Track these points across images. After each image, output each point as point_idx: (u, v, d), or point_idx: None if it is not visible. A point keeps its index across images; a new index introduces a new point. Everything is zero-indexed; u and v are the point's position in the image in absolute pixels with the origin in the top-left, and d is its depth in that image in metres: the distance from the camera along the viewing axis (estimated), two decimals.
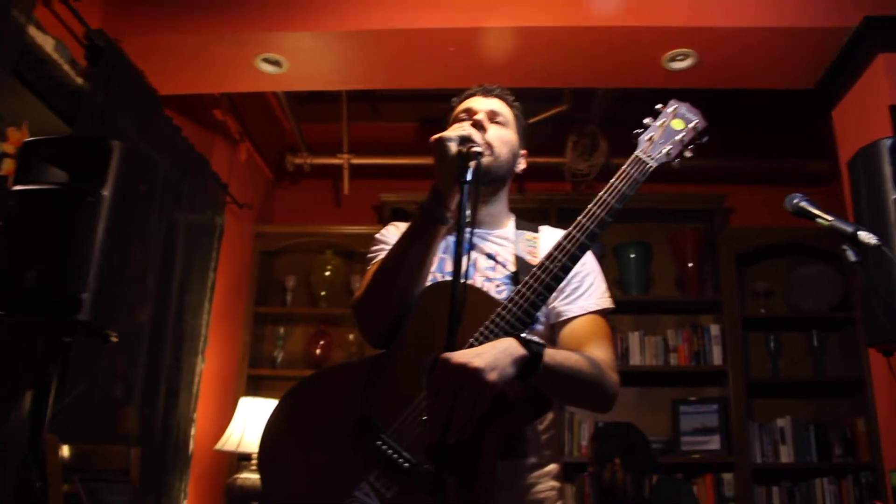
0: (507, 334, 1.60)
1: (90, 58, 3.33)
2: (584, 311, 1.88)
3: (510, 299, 1.66)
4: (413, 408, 1.66)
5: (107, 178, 2.47)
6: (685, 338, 5.01)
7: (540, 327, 1.89)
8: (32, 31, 2.93)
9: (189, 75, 3.93)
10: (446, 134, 1.75)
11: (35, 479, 2.37)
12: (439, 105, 2.22)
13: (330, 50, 3.73)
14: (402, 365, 1.74)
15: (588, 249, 1.72)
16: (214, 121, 4.70)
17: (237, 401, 4.50)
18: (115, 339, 2.57)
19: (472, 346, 1.59)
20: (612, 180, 1.76)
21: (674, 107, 1.90)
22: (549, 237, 2.04)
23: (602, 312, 1.92)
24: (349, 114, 5.29)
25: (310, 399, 1.80)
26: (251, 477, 4.09)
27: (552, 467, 1.86)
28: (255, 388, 5.00)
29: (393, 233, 2.05)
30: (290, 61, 3.77)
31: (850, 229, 1.96)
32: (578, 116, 5.21)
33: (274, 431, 1.77)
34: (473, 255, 1.93)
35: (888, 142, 2.44)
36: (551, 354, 1.59)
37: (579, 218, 1.73)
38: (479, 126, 1.89)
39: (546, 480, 1.83)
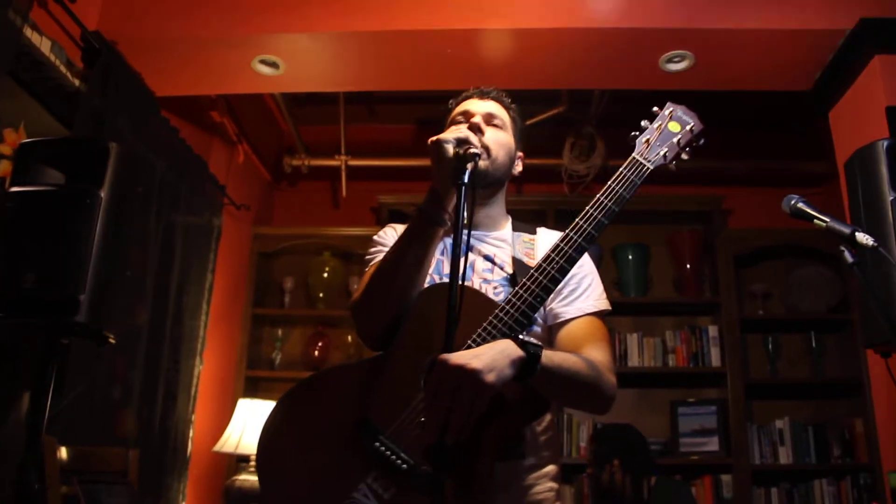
0: (504, 336, 1.60)
1: (87, 59, 3.33)
2: (582, 313, 1.88)
3: (508, 301, 1.67)
4: (411, 409, 1.66)
5: (104, 180, 2.48)
6: (683, 339, 5.01)
7: (538, 329, 1.89)
8: (29, 33, 2.92)
9: (186, 77, 3.93)
10: (443, 136, 1.75)
11: (33, 481, 2.37)
12: (436, 107, 2.22)
13: (327, 51, 3.73)
14: (399, 367, 1.74)
15: (585, 251, 1.72)
16: (212, 122, 4.70)
17: (235, 402, 4.50)
18: (112, 341, 2.57)
19: (469, 347, 1.59)
20: (608, 182, 1.77)
21: (670, 109, 1.91)
22: (546, 239, 2.04)
23: (599, 314, 1.92)
24: (346, 115, 5.29)
25: (308, 401, 1.80)
26: (249, 478, 4.09)
27: (550, 468, 1.87)
28: (254, 389, 5.00)
29: (390, 234, 2.06)
30: (287, 63, 3.77)
31: (847, 230, 1.96)
32: (576, 118, 5.21)
33: (272, 433, 1.77)
34: (471, 256, 1.93)
35: (885, 143, 2.45)
36: (549, 356, 1.59)
37: (576, 220, 1.73)
38: (475, 129, 1.90)
39: (544, 481, 1.83)
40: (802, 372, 5.05)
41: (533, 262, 1.80)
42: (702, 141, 1.89)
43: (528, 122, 4.75)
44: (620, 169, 1.79)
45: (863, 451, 4.63)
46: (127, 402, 3.53)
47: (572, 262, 1.69)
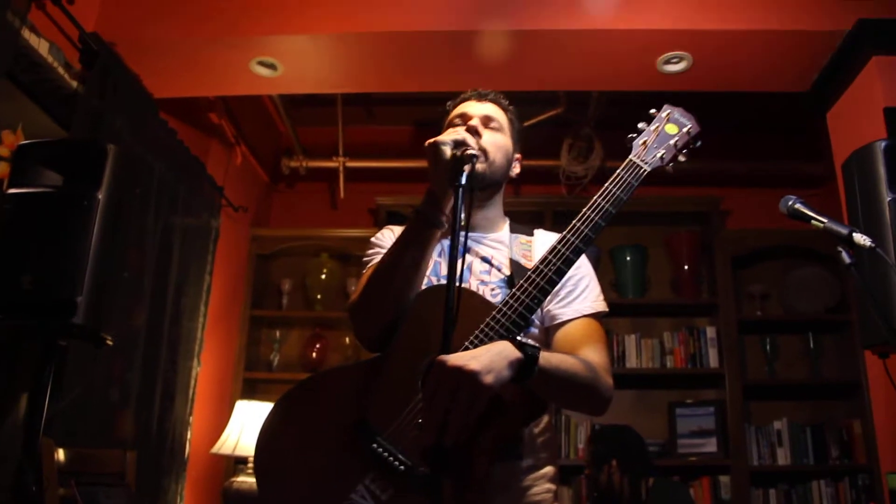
0: (502, 338, 1.60)
1: (85, 61, 3.33)
2: (579, 315, 1.89)
3: (505, 303, 1.67)
4: (409, 411, 1.66)
5: (102, 182, 2.48)
6: (681, 340, 5.01)
7: (535, 330, 1.89)
8: (27, 34, 2.92)
9: (184, 78, 3.93)
10: (441, 138, 1.76)
11: (31, 483, 2.37)
12: (434, 108, 2.22)
13: (324, 53, 3.73)
14: (397, 368, 1.74)
15: (583, 253, 1.73)
16: (210, 124, 4.70)
17: (233, 404, 4.50)
18: (110, 343, 2.58)
19: (467, 349, 1.59)
20: (606, 184, 1.77)
21: (667, 112, 1.92)
22: (543, 241, 2.04)
23: (596, 316, 1.92)
24: (344, 117, 5.30)
25: (306, 402, 1.80)
26: (248, 480, 4.09)
27: (548, 469, 1.87)
28: (251, 391, 4.99)
29: (388, 236, 2.06)
30: (284, 64, 3.77)
31: (844, 231, 1.96)
32: (574, 119, 5.22)
33: (270, 435, 1.77)
34: (468, 258, 1.93)
35: (882, 144, 2.45)
36: (546, 357, 1.59)
37: (574, 222, 1.74)
38: (473, 132, 1.90)
39: (542, 483, 1.84)
40: (800, 373, 5.05)
41: (530, 264, 1.81)
42: (699, 143, 1.89)
43: (526, 124, 4.72)
44: (617, 171, 1.80)
45: (861, 452, 4.63)
46: (125, 403, 3.53)
47: (569, 263, 1.69)
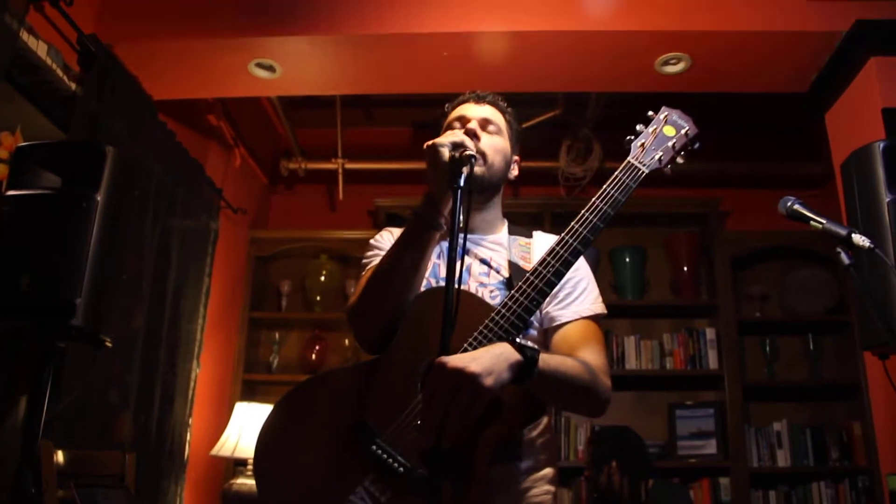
0: (501, 339, 1.60)
1: (83, 63, 3.32)
2: (578, 316, 1.89)
3: (504, 304, 1.67)
4: (408, 412, 1.66)
5: (100, 184, 2.48)
6: (681, 342, 5.01)
7: (534, 332, 1.89)
8: (25, 36, 2.92)
9: (183, 80, 3.93)
10: (439, 140, 1.76)
11: (30, 485, 2.37)
12: (433, 110, 2.22)
13: (323, 55, 3.73)
14: (396, 370, 1.74)
15: (581, 255, 1.73)
16: (208, 126, 4.70)
17: (233, 406, 4.49)
18: (109, 345, 2.58)
19: (466, 351, 1.60)
20: (604, 186, 1.78)
21: (665, 114, 1.92)
22: (542, 242, 2.05)
23: (595, 318, 1.92)
24: (343, 119, 5.30)
25: (305, 404, 1.80)
26: (247, 482, 4.08)
27: (547, 471, 1.87)
28: (251, 393, 4.99)
29: (387, 238, 2.06)
30: (283, 66, 3.77)
31: (843, 232, 1.96)
32: (572, 121, 5.22)
33: (270, 436, 1.76)
34: (467, 260, 1.93)
35: (881, 144, 2.45)
36: (546, 360, 1.60)
37: (572, 224, 1.74)
38: (472, 135, 1.90)
39: (541, 484, 1.84)
40: (800, 374, 5.05)
41: (529, 266, 1.81)
42: (696, 145, 1.89)
43: (525, 125, 4.70)
44: (616, 173, 1.80)
45: (861, 453, 4.63)
46: (124, 405, 3.53)
47: (568, 265, 1.70)
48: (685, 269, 5.20)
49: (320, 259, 5.39)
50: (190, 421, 4.18)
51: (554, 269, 1.68)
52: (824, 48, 3.46)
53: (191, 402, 4.19)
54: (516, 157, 2.14)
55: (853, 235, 1.94)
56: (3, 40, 2.72)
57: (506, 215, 2.15)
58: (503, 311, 1.65)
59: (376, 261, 1.93)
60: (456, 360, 1.48)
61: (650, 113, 1.93)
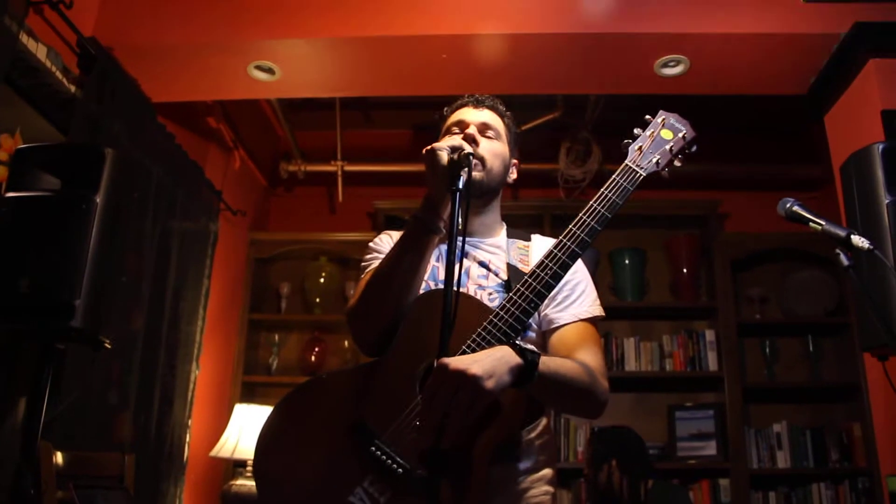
0: (499, 341, 1.61)
1: (83, 66, 3.33)
2: (576, 319, 1.89)
3: (502, 307, 1.67)
4: (407, 413, 1.67)
5: (100, 186, 2.49)
6: (680, 343, 5.01)
7: (532, 334, 1.90)
8: (25, 39, 2.92)
9: (182, 83, 3.93)
10: (438, 144, 1.76)
11: (29, 486, 2.37)
12: (432, 112, 2.22)
13: (322, 57, 3.73)
14: (395, 372, 1.75)
15: (578, 258, 1.74)
16: (208, 128, 4.70)
17: (232, 407, 4.49)
18: (108, 346, 2.58)
19: (465, 353, 1.60)
20: (602, 189, 1.79)
21: (663, 117, 1.93)
22: (540, 246, 2.05)
23: (593, 320, 1.93)
24: (342, 121, 5.30)
25: (305, 405, 1.80)
26: (247, 484, 4.08)
27: (546, 472, 1.87)
28: (250, 394, 4.99)
29: (386, 241, 2.06)
30: (282, 68, 3.77)
31: (842, 233, 1.96)
32: (571, 123, 5.22)
33: (269, 438, 1.77)
34: (466, 263, 1.94)
35: (880, 146, 2.46)
36: (545, 363, 1.60)
37: (570, 226, 1.75)
38: (470, 140, 1.91)
39: (540, 485, 1.84)
40: (800, 376, 5.05)
41: (528, 269, 1.81)
42: (694, 148, 1.91)
43: (524, 128, 4.77)
44: (613, 176, 1.81)
45: (861, 455, 4.62)
46: (123, 407, 3.53)
47: (566, 268, 1.70)
48: (685, 270, 5.20)
49: (320, 261, 5.39)
50: (189, 422, 4.18)
51: (552, 271, 1.69)
52: (823, 50, 3.47)
53: (190, 403, 4.19)
54: (515, 161, 2.14)
55: (852, 237, 1.94)
56: (3, 43, 2.72)
57: (505, 216, 2.16)
58: (501, 313, 1.66)
59: (375, 264, 1.93)
60: (457, 362, 1.48)
61: (647, 116, 1.94)
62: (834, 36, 3.38)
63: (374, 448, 1.63)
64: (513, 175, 2.13)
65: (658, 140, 1.88)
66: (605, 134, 5.08)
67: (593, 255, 5.18)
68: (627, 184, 1.79)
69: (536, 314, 1.82)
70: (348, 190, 5.48)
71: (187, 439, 4.16)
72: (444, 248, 1.92)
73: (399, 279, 1.81)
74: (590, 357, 1.80)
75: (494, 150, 2.02)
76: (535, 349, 1.58)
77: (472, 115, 2.06)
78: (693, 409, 4.90)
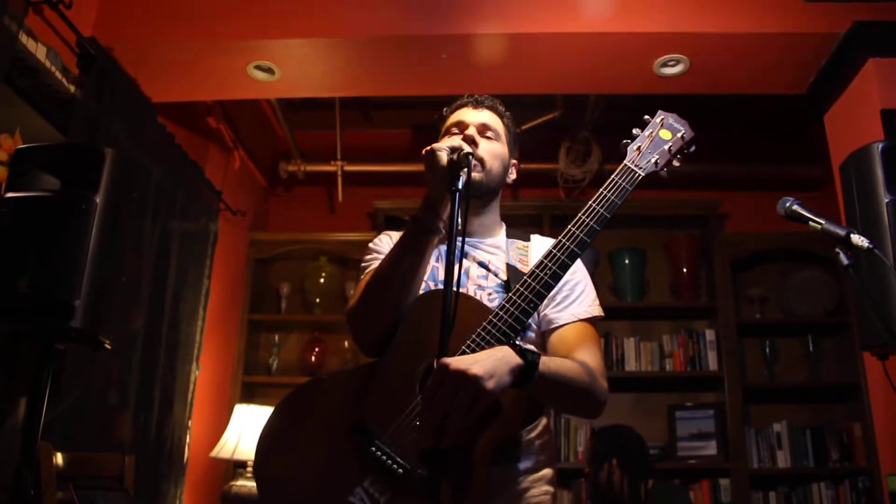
0: (499, 341, 1.61)
1: (82, 66, 3.33)
2: (575, 319, 1.90)
3: (501, 307, 1.67)
4: (407, 414, 1.67)
5: (99, 186, 2.48)
6: (680, 343, 5.01)
7: (531, 334, 1.90)
8: (24, 39, 2.92)
9: (182, 83, 3.93)
10: (437, 145, 1.76)
11: (29, 487, 2.37)
12: (432, 112, 2.22)
13: (322, 57, 3.73)
14: (395, 372, 1.75)
15: (577, 258, 1.74)
16: (208, 128, 4.70)
17: (232, 408, 4.50)
18: (108, 346, 2.57)
19: (464, 353, 1.60)
20: (601, 189, 1.79)
21: (661, 117, 1.93)
22: (539, 246, 2.05)
23: (592, 320, 1.93)
24: (342, 121, 5.30)
25: (305, 406, 1.80)
26: (247, 484, 4.08)
27: (546, 472, 1.87)
28: (250, 395, 4.99)
29: (386, 242, 2.07)
30: (282, 68, 3.77)
31: (842, 233, 1.97)
32: (571, 123, 5.22)
33: (270, 438, 1.77)
34: (465, 263, 1.94)
35: (880, 145, 2.46)
36: (545, 363, 1.61)
37: (569, 226, 1.75)
38: (470, 141, 1.91)
39: (540, 485, 1.84)
40: (800, 376, 5.05)
41: (527, 269, 1.81)
42: (693, 148, 1.91)
43: (524, 127, 4.77)
44: (612, 176, 1.82)
45: (861, 454, 4.63)
46: (123, 407, 3.52)
47: (565, 268, 1.71)
48: (685, 270, 5.20)
49: (319, 261, 5.39)
50: (189, 423, 4.18)
51: (551, 271, 1.69)
52: (823, 50, 3.47)
53: (190, 404, 4.19)
54: (514, 161, 2.14)
55: (852, 236, 1.95)
56: (3, 43, 2.72)
57: (505, 216, 2.16)
58: (501, 313, 1.66)
59: (375, 264, 1.94)
60: (458, 362, 1.48)
61: (646, 117, 1.94)
62: (833, 35, 3.38)
63: (374, 448, 1.64)
64: (512, 175, 2.13)
65: (657, 140, 1.88)
66: (605, 134, 5.08)
67: (593, 255, 5.18)
68: (626, 184, 1.80)
69: (536, 314, 1.83)
70: (348, 190, 5.48)
71: (187, 440, 4.16)
72: (443, 248, 1.92)
73: (399, 280, 1.81)
74: (589, 357, 1.81)
75: (494, 150, 2.02)
76: (535, 349, 1.58)
77: (472, 116, 2.06)
78: (693, 409, 4.90)
